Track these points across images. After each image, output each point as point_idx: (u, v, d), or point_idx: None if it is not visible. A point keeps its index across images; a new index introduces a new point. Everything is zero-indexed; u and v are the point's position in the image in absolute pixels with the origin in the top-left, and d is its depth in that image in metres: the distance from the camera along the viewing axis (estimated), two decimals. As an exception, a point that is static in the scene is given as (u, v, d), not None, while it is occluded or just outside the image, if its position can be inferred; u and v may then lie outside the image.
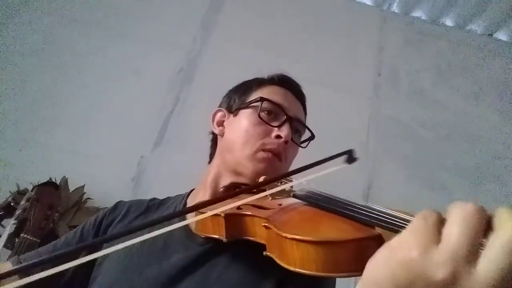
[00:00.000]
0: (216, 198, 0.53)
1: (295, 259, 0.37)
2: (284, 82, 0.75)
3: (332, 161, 0.47)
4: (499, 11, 1.94)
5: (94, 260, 0.62)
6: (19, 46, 1.66)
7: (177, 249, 0.60)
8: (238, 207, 0.52)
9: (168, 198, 0.77)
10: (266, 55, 1.77)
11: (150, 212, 0.72)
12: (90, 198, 1.38)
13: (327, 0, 2.03)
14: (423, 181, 1.66)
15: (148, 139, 1.57)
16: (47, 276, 0.30)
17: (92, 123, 1.57)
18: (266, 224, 0.42)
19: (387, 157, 1.68)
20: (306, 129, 0.76)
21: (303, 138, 0.77)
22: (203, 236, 0.55)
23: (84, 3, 1.79)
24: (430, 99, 1.86)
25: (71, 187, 1.38)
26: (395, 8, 2.06)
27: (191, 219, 0.55)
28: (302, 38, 1.90)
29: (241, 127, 0.69)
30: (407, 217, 0.34)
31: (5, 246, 1.07)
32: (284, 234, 0.37)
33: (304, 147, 0.76)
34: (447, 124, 1.81)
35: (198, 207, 0.49)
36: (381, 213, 0.37)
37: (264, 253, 0.42)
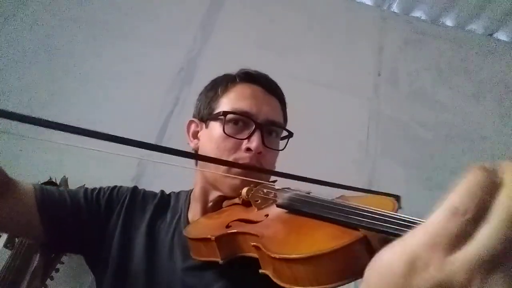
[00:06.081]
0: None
1: (288, 277, 0.37)
2: (250, 78, 0.69)
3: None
4: (499, 11, 1.94)
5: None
6: (19, 46, 1.65)
7: (179, 257, 0.61)
8: (227, 225, 0.53)
9: (174, 194, 0.77)
10: (266, 55, 1.77)
11: (165, 205, 0.74)
12: (90, 198, 1.38)
13: (327, 0, 2.02)
14: (423, 181, 1.65)
15: (148, 139, 1.57)
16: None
17: (91, 123, 1.57)
18: (255, 244, 0.43)
19: (387, 157, 1.68)
20: (284, 125, 0.71)
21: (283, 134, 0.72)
22: (199, 260, 0.54)
23: (84, 3, 1.79)
24: (430, 99, 1.86)
25: (71, 187, 1.37)
26: (395, 8, 2.06)
27: None
28: (302, 38, 1.90)
29: (211, 143, 0.66)
30: (386, 213, 0.34)
31: (5, 246, 1.07)
32: (273, 255, 0.38)
33: (282, 149, 0.72)
34: (447, 124, 1.81)
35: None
36: (361, 211, 0.37)
37: (260, 270, 0.42)
